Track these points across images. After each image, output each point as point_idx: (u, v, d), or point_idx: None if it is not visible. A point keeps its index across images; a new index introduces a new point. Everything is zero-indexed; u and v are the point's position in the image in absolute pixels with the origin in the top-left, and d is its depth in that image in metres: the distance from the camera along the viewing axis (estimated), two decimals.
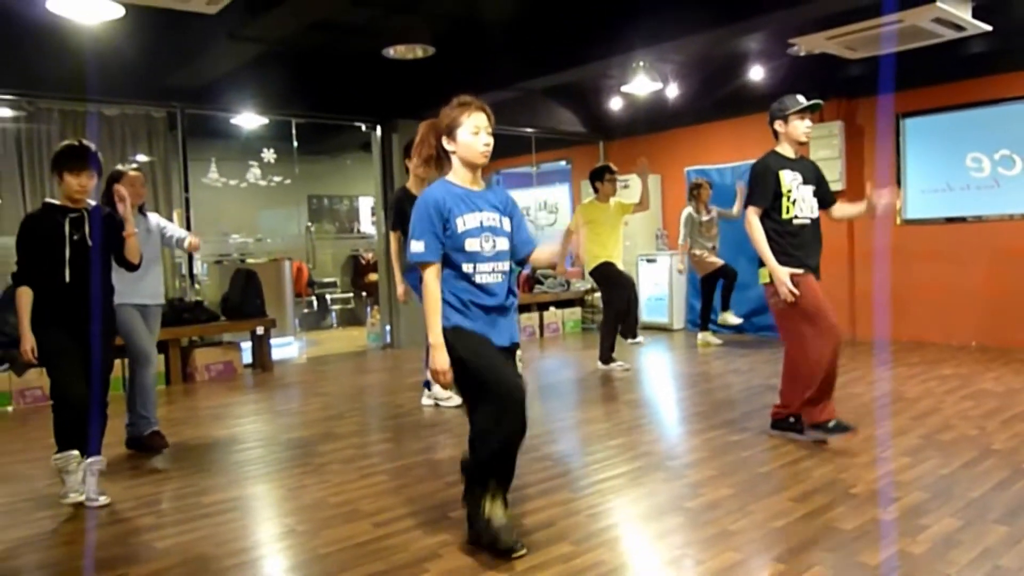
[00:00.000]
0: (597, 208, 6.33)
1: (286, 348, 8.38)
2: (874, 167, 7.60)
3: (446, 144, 2.74)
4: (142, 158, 7.13)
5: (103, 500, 3.49)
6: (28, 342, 3.37)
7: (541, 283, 9.25)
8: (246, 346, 7.23)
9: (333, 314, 10.89)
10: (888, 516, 3.03)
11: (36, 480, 3.86)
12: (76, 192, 3.46)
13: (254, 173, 10.63)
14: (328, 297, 10.94)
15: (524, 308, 8.93)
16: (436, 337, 2.67)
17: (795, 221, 3.93)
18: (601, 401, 5.45)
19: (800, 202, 3.94)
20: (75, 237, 3.45)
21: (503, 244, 2.76)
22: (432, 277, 2.70)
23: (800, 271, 3.88)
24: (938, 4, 5.04)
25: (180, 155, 7.25)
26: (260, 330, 7.15)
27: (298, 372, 7.15)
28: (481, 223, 2.71)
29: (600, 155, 10.28)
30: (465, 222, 2.70)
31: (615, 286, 6.32)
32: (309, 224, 11.06)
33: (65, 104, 6.69)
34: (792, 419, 4.20)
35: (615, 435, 4.44)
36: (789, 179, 3.94)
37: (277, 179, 10.79)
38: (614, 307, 6.36)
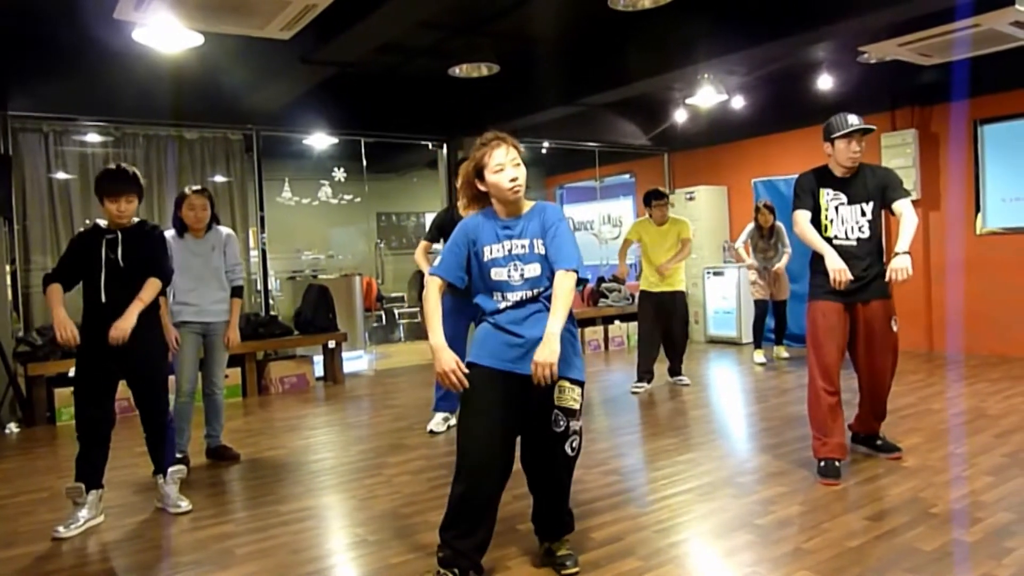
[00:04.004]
0: (649, 229, 6.30)
1: (356, 361, 8.56)
2: (950, 175, 7.36)
3: (479, 186, 2.71)
4: (220, 179, 7.43)
5: (184, 507, 3.63)
6: (66, 324, 3.30)
7: (606, 297, 9.23)
8: (318, 359, 7.43)
9: (401, 328, 11.08)
10: (971, 538, 2.93)
11: (123, 488, 4.05)
12: (115, 217, 3.49)
13: (325, 192, 10.93)
14: (396, 311, 11.14)
15: (589, 322, 8.92)
16: (436, 339, 2.60)
17: (833, 242, 3.76)
18: (668, 415, 5.41)
19: (837, 223, 3.77)
20: (110, 257, 3.46)
21: (532, 271, 2.64)
22: (434, 289, 2.68)
23: (827, 300, 3.75)
24: (1017, 7, 4.87)
25: (256, 175, 7.54)
26: (332, 344, 7.33)
27: (368, 385, 7.29)
28: (510, 251, 2.65)
29: (664, 167, 10.23)
30: (492, 251, 2.66)
31: (641, 320, 6.38)
32: (378, 241, 11.31)
33: (149, 129, 7.03)
34: (863, 435, 4.12)
35: (682, 450, 4.40)
36: (827, 198, 3.81)
37: (347, 197, 11.07)
38: (641, 337, 6.39)
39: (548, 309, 2.59)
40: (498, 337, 2.64)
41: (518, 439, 2.72)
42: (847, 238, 3.78)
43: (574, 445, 2.67)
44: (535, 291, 2.65)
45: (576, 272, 2.58)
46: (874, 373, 3.90)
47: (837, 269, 3.64)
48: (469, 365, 2.65)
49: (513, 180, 2.64)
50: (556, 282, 2.58)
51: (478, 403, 2.62)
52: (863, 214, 3.78)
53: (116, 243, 3.49)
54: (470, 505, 2.61)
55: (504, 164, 2.64)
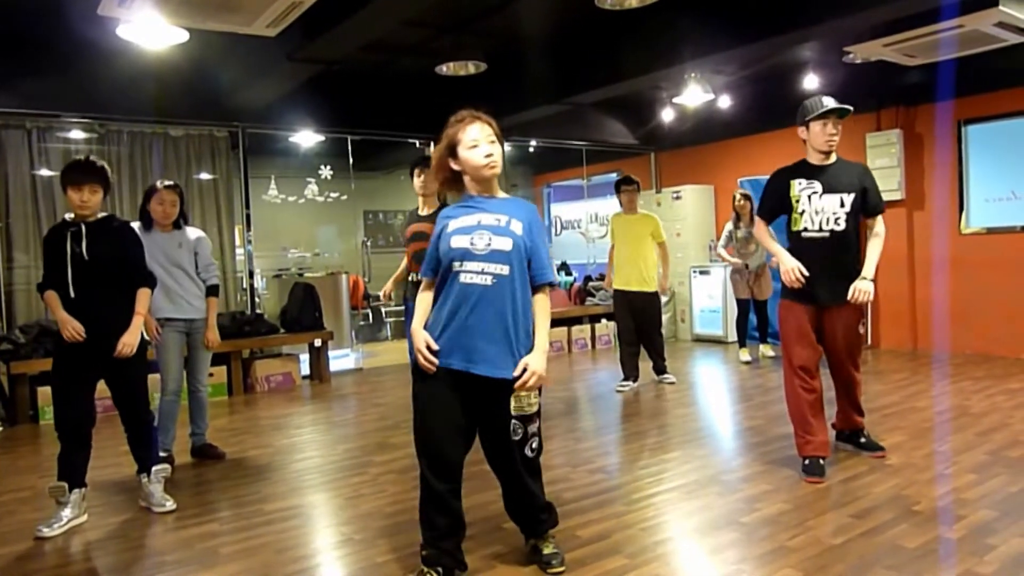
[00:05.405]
0: (620, 220, 6.34)
1: (343, 360, 8.53)
2: (934, 175, 7.42)
3: (453, 165, 2.63)
4: (205, 176, 7.38)
5: (169, 506, 3.60)
6: (69, 323, 3.34)
7: (592, 295, 9.24)
8: (304, 358, 7.39)
9: (388, 326, 11.04)
10: (954, 535, 2.95)
11: (106, 487, 4.02)
12: (77, 207, 3.44)
13: (312, 189, 10.89)
14: (383, 310, 11.10)
15: (575, 320, 8.93)
16: (414, 325, 2.63)
17: (803, 235, 3.73)
18: (654, 414, 5.42)
19: (811, 215, 3.70)
20: (76, 251, 3.41)
21: (502, 244, 2.51)
22: (423, 287, 2.70)
23: (797, 301, 3.77)
24: (1001, 8, 4.91)
25: (241, 173, 7.49)
26: (318, 342, 7.30)
27: (354, 383, 7.27)
28: (479, 222, 2.55)
29: (651, 166, 10.25)
30: (459, 222, 2.58)
31: (619, 319, 6.39)
32: (365, 239, 11.27)
33: (134, 126, 6.97)
34: (846, 433, 4.16)
35: (668, 448, 4.41)
36: (799, 188, 3.73)
37: (334, 195, 11.03)
38: (620, 335, 6.41)
39: (504, 307, 2.54)
40: (444, 335, 2.57)
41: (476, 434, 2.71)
42: (820, 230, 3.71)
43: (533, 447, 2.64)
44: (496, 267, 2.52)
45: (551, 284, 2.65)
46: (842, 372, 3.94)
47: (788, 268, 3.67)
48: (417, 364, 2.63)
49: (488, 156, 2.57)
50: (538, 301, 2.60)
51: (430, 398, 2.60)
52: (842, 205, 3.70)
53: (80, 236, 3.45)
54: (439, 502, 2.59)
55: (479, 140, 2.57)
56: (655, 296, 6.27)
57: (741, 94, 8.21)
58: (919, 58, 6.14)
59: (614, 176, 10.78)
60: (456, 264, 2.54)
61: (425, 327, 2.63)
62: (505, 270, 2.53)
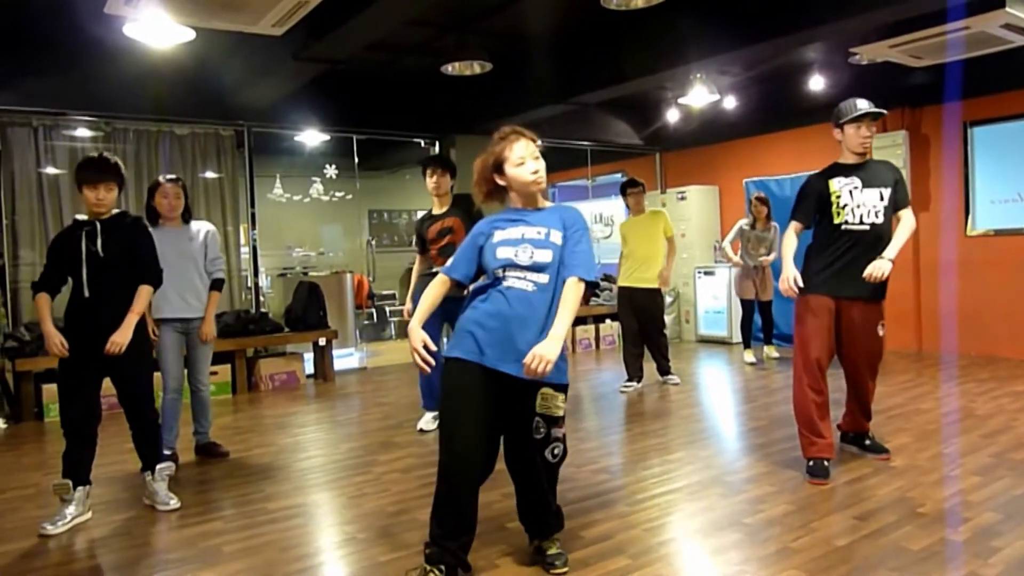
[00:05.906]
0: (628, 223, 6.40)
1: (347, 359, 8.53)
2: (940, 177, 7.40)
3: (499, 180, 2.73)
4: (211, 175, 7.39)
5: (173, 504, 3.61)
6: (54, 338, 3.33)
7: (597, 296, 9.23)
8: (308, 356, 7.41)
9: (392, 325, 11.05)
10: (958, 537, 2.94)
11: (110, 484, 4.03)
12: (93, 205, 3.44)
13: (317, 188, 10.92)
14: (387, 309, 11.11)
15: (580, 321, 8.93)
16: (413, 321, 2.67)
17: (843, 227, 3.76)
18: (658, 414, 5.42)
19: (853, 208, 3.74)
20: (91, 249, 3.41)
21: (543, 256, 2.62)
22: (437, 283, 2.73)
23: (818, 295, 3.77)
24: (1007, 9, 4.90)
25: (247, 172, 7.50)
26: (322, 341, 7.31)
27: (358, 382, 7.28)
28: (523, 235, 2.65)
29: (656, 167, 10.24)
30: (505, 233, 2.67)
31: (622, 318, 6.41)
32: (370, 238, 11.29)
33: (139, 124, 6.99)
34: (852, 435, 4.14)
35: (672, 449, 4.41)
36: (838, 184, 3.78)
37: (339, 194, 11.05)
38: (624, 336, 6.44)
39: (541, 312, 2.59)
40: (479, 333, 2.60)
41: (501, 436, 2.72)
42: (861, 223, 3.74)
43: (555, 452, 2.66)
44: (537, 276, 2.60)
45: (586, 282, 2.63)
46: (858, 378, 3.93)
47: (786, 277, 3.74)
48: (449, 359, 2.64)
49: (535, 172, 2.68)
50: (566, 289, 2.61)
51: (458, 393, 2.60)
52: (881, 198, 3.75)
53: (95, 234, 3.45)
54: (454, 500, 2.59)
55: (525, 157, 2.68)
56: (657, 293, 6.28)
57: (747, 95, 8.19)
58: (925, 59, 6.12)
59: (619, 176, 10.81)
60: (499, 270, 2.65)
61: (452, 320, 2.69)
62: (545, 279, 2.62)
